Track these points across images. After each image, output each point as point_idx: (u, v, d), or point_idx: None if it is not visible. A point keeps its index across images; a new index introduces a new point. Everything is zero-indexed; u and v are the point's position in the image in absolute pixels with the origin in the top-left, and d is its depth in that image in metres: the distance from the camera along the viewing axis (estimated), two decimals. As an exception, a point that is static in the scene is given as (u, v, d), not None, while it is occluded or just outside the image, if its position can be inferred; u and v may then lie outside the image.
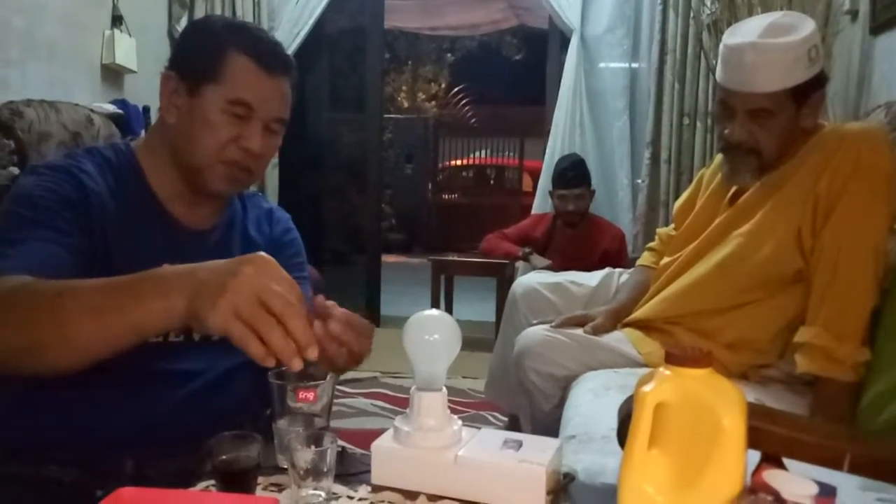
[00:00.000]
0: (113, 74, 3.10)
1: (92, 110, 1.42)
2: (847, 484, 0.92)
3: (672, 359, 0.64)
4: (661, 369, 0.65)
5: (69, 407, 0.93)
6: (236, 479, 0.76)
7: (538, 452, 0.81)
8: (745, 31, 1.49)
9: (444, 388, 0.84)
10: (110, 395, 0.94)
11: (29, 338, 0.78)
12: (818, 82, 1.49)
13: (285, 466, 0.79)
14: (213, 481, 0.78)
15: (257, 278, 0.72)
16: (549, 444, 0.84)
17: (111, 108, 2.73)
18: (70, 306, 0.78)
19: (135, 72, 3.15)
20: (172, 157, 1.06)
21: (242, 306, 0.70)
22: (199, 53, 1.03)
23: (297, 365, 0.72)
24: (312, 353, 0.73)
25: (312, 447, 0.74)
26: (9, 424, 0.98)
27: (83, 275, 0.90)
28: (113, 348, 0.79)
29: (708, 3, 3.09)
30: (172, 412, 0.98)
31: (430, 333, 0.83)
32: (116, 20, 3.06)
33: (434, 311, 0.87)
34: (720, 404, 0.62)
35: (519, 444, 0.83)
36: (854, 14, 2.57)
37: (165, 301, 0.75)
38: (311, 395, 0.83)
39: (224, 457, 0.76)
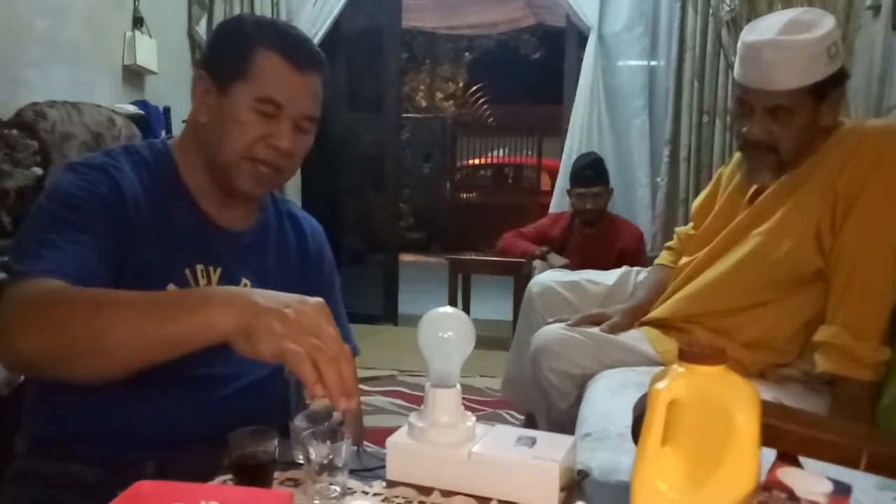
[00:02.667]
0: (134, 75, 3.14)
1: (114, 111, 1.44)
2: (864, 483, 0.91)
3: (686, 356, 0.64)
4: (675, 366, 0.65)
5: (97, 406, 0.93)
6: (253, 474, 0.77)
7: (552, 449, 0.81)
8: (764, 28, 1.48)
9: (459, 385, 0.85)
10: (139, 397, 0.94)
11: (63, 345, 0.78)
12: (838, 79, 1.47)
13: (301, 462, 0.80)
14: (230, 476, 0.79)
15: (316, 318, 0.74)
16: (564, 440, 0.84)
17: (132, 108, 2.77)
18: (110, 317, 0.78)
19: (155, 73, 3.18)
20: (204, 156, 1.05)
21: (301, 336, 0.72)
22: (228, 51, 1.03)
23: (342, 405, 0.72)
24: (354, 402, 0.73)
25: (328, 443, 0.75)
26: (36, 419, 1.00)
27: (114, 278, 0.91)
28: (147, 361, 0.79)
29: (727, 0, 3.06)
30: (199, 416, 0.98)
31: (443, 330, 0.83)
32: (137, 22, 3.10)
33: (448, 309, 0.87)
34: (734, 401, 0.62)
35: (533, 441, 0.83)
36: (876, 9, 2.53)
37: (208, 315, 0.75)
38: (327, 392, 0.83)
39: (241, 451, 0.77)
